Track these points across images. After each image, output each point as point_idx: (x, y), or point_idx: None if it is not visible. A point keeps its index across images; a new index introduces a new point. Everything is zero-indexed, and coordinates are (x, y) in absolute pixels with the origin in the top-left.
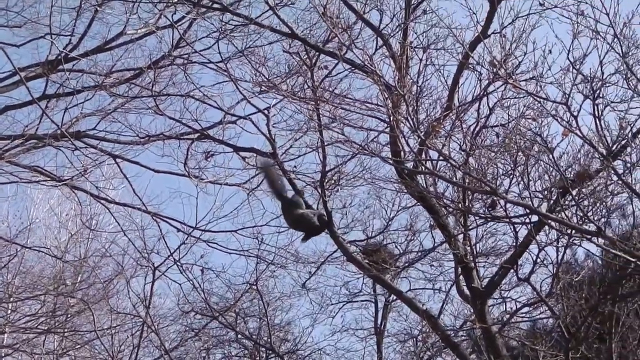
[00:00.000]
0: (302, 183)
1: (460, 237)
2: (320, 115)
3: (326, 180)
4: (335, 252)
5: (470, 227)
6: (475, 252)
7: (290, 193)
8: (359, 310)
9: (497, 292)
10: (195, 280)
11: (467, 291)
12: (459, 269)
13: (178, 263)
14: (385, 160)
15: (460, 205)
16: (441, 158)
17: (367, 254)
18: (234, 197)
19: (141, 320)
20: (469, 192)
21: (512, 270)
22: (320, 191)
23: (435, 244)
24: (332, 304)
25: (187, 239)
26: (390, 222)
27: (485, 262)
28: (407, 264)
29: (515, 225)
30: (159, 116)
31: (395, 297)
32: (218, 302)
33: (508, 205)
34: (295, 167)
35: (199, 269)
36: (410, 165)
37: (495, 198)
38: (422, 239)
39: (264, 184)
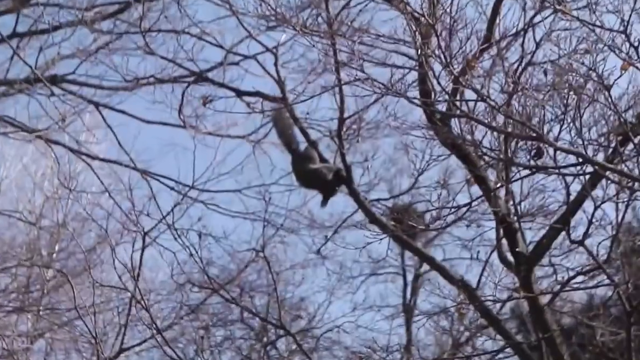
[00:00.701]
0: (317, 133)
1: (503, 193)
2: (337, 53)
3: (344, 130)
4: (355, 212)
5: (513, 180)
6: (519, 212)
7: (302, 145)
8: (385, 284)
9: (546, 258)
10: (191, 248)
11: (510, 257)
12: (501, 231)
13: (172, 227)
14: (412, 101)
15: (501, 154)
16: (479, 99)
17: (394, 215)
18: (237, 150)
19: (129, 295)
20: (511, 138)
21: (563, 233)
22: (337, 142)
23: (473, 201)
24: (352, 277)
25: (182, 199)
26: (419, 177)
27: (532, 222)
28: (440, 226)
29: (567, 179)
30: (149, 56)
31: (426, 268)
32: (219, 274)
33: (558, 155)
34: (308, 114)
35: (196, 234)
36: (442, 107)
37: (542, 145)
38: (457, 196)
39: (272, 134)
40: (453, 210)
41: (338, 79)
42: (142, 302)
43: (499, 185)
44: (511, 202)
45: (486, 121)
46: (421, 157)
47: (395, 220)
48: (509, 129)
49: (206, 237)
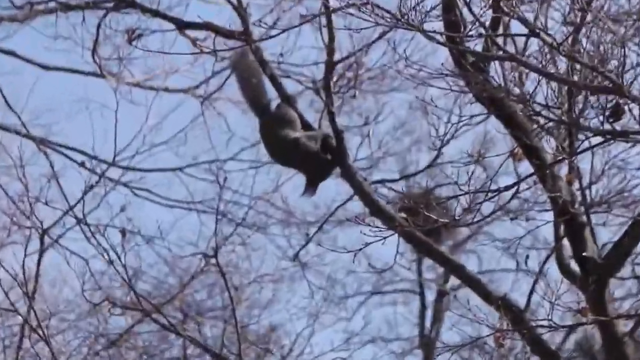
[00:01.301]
0: (295, 85)
1: (564, 171)
2: None
3: (334, 79)
4: (348, 200)
5: (580, 151)
6: (589, 198)
7: (275, 103)
8: (393, 306)
9: (628, 267)
10: (111, 251)
11: (574, 265)
12: (561, 227)
13: (83, 222)
14: (432, 37)
15: (562, 114)
16: (530, 33)
17: (407, 205)
18: (178, 109)
19: (20, 319)
20: (577, 90)
21: None
22: (324, 97)
23: (520, 182)
24: (346, 297)
25: (98, 181)
26: (442, 149)
27: (608, 214)
28: (473, 220)
29: None
30: None
31: (454, 282)
32: (152, 290)
33: None
34: (282, 55)
35: (119, 232)
36: (476, 46)
37: (621, 101)
38: (497, 177)
39: (230, 85)
40: (491, 196)
41: (325, 4)
42: (40, 331)
43: (559, 158)
44: (577, 185)
45: (540, 66)
46: (446, 120)
47: (409, 212)
48: (574, 77)
49: (132, 237)
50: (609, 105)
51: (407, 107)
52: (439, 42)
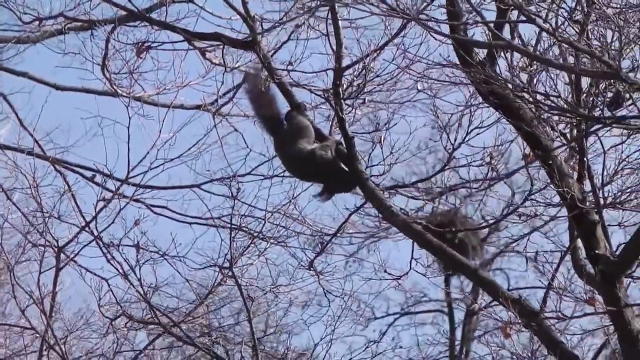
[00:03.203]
0: (303, 96)
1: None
2: None
3: (344, 86)
4: (361, 207)
5: (577, 138)
6: (600, 195)
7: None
8: (421, 326)
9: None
10: (126, 266)
11: (589, 264)
12: (574, 224)
13: (97, 238)
14: (427, 25)
15: (568, 103)
16: (526, 19)
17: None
18: (193, 123)
19: (37, 335)
20: (575, 76)
21: None
22: (334, 104)
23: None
24: (374, 318)
25: (112, 198)
26: (454, 151)
27: (622, 211)
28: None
29: None
30: None
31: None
32: (170, 305)
33: None
34: (291, 63)
35: (133, 246)
36: (479, 35)
37: (620, 86)
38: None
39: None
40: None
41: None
42: (58, 348)
43: (561, 149)
44: (587, 180)
45: (538, 52)
46: (457, 119)
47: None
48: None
49: (147, 252)
50: (609, 93)
51: (421, 110)
52: (436, 32)
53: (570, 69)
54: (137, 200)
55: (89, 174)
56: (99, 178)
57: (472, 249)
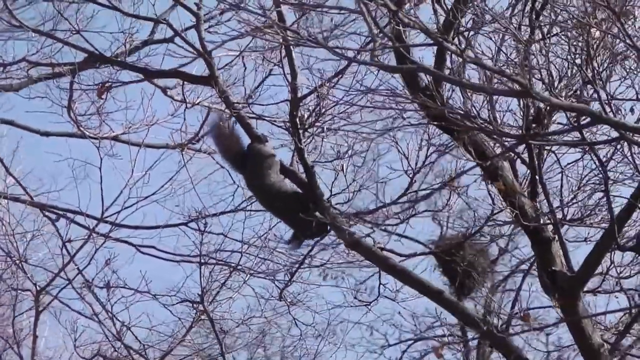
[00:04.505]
0: (264, 129)
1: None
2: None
3: (304, 117)
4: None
5: (494, 157)
6: (560, 214)
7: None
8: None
9: (604, 276)
10: (98, 305)
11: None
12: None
13: (75, 281)
14: (336, 52)
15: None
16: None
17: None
18: (164, 160)
19: None
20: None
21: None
22: (291, 133)
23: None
24: (388, 345)
25: (88, 238)
26: (415, 176)
27: (578, 226)
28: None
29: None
30: (15, 30)
31: None
32: (146, 342)
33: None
34: (251, 96)
35: (105, 285)
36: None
37: (541, 106)
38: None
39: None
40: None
41: (284, 41)
42: None
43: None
44: (542, 198)
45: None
46: (417, 145)
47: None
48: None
49: (116, 289)
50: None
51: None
52: (346, 58)
53: (481, 89)
54: (124, 242)
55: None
56: (80, 219)
57: (482, 271)
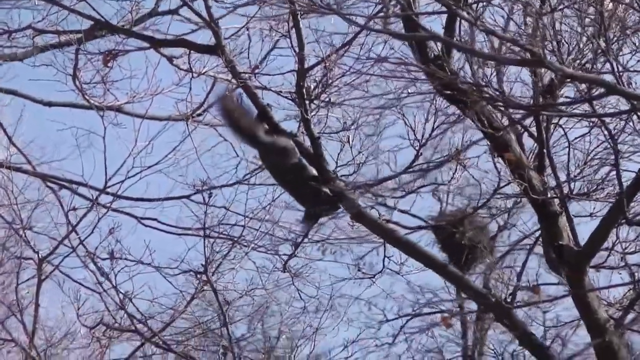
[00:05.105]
0: (270, 98)
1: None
2: None
3: (310, 87)
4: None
5: (506, 126)
6: (567, 188)
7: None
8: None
9: (609, 251)
10: (100, 273)
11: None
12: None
13: (78, 250)
14: (349, 19)
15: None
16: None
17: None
18: (169, 130)
19: (20, 350)
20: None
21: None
22: (299, 104)
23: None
24: (386, 320)
25: (91, 208)
26: (421, 149)
27: (586, 201)
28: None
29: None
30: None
31: None
32: (149, 313)
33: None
34: (257, 68)
35: (107, 254)
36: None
37: (554, 77)
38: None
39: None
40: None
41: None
42: None
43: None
44: (549, 172)
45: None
46: (424, 117)
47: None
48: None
49: (120, 260)
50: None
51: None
52: (358, 25)
53: (493, 58)
54: (126, 214)
55: (68, 185)
56: (83, 190)
57: (482, 247)
